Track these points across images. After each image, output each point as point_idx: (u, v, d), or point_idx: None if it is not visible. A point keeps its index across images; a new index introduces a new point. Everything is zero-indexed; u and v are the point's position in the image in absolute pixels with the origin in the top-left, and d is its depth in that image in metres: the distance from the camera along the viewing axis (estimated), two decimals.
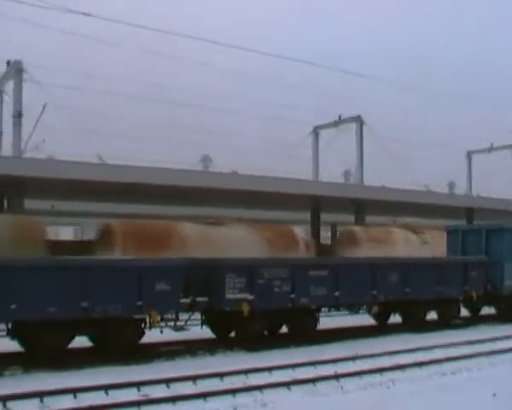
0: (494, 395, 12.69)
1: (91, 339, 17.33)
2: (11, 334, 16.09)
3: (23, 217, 20.79)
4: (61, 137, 32.71)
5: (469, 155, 55.96)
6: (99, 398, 12.14)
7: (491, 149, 54.97)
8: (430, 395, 12.99)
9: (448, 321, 24.46)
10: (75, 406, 11.57)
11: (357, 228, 36.24)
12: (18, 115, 29.72)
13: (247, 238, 23.99)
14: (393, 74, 75.69)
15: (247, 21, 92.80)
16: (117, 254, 20.13)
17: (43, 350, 15.79)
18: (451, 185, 54.05)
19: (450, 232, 28.81)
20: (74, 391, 12.43)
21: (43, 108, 30.53)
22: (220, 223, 24.44)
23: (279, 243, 24.56)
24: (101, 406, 11.48)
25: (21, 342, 16.32)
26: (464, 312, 26.46)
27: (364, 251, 31.65)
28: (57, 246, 20.23)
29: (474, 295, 24.79)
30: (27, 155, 29.97)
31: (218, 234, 23.02)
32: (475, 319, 26.59)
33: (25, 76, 30.24)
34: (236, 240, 23.12)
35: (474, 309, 26.97)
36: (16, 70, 30.04)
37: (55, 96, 31.27)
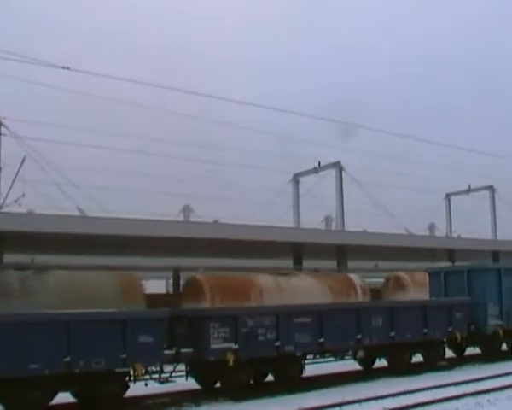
0: None
1: (74, 395, 17.09)
2: None
3: (125, 272, 21.32)
4: (41, 191, 32.64)
5: (448, 196, 56.53)
6: None
7: (469, 191, 55.60)
8: None
9: (433, 363, 24.41)
10: None
11: (403, 274, 36.87)
12: None
13: (314, 287, 25.10)
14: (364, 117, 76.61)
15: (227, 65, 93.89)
16: (205, 306, 20.91)
17: (25, 409, 15.51)
18: (432, 227, 54.45)
19: (433, 274, 28.92)
20: None
21: (22, 161, 30.53)
22: (289, 274, 25.49)
23: (340, 290, 25.59)
24: None
25: (2, 401, 16.02)
26: (449, 353, 26.45)
27: (411, 295, 32.92)
28: (152, 299, 20.87)
29: (459, 336, 24.81)
30: (6, 209, 29.83)
31: (289, 284, 24.07)
32: (460, 360, 26.57)
33: (3, 130, 30.22)
34: (305, 288, 24.12)
35: (459, 350, 26.97)
36: None
37: (34, 150, 31.31)
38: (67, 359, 15.54)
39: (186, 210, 43.99)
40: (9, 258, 29.15)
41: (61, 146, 39.07)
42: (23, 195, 31.08)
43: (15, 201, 30.75)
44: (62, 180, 32.71)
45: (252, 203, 47.41)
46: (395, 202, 50.34)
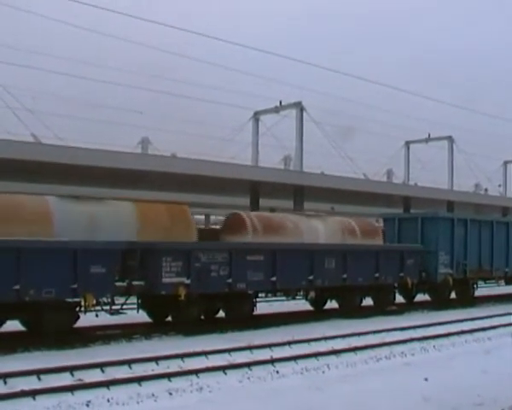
0: (426, 379, 12.97)
1: (24, 324, 16.91)
2: None
3: (176, 205, 21.30)
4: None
5: (407, 144, 56.86)
6: (31, 383, 11.85)
7: (428, 140, 55.97)
8: (365, 379, 13.13)
9: (383, 307, 24.80)
10: (6, 391, 11.26)
11: None
12: None
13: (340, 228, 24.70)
14: (334, 61, 76.19)
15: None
16: (247, 240, 21.24)
17: None
18: (389, 173, 54.86)
19: (387, 220, 29.19)
20: (5, 376, 12.11)
21: None
22: (317, 215, 25.26)
23: (366, 232, 25.10)
24: (33, 391, 11.21)
25: None
26: (400, 299, 26.89)
27: None
28: (202, 233, 21.91)
29: (410, 282, 25.19)
30: None
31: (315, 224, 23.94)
32: (410, 306, 27.05)
33: None
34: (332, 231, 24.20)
35: (409, 296, 27.44)
36: None
37: None
38: (17, 287, 15.30)
39: (144, 142, 43.39)
40: None
41: (15, 68, 37.70)
42: None
43: None
44: (15, 104, 31.71)
45: (211, 139, 47.03)
46: (355, 146, 50.46)
